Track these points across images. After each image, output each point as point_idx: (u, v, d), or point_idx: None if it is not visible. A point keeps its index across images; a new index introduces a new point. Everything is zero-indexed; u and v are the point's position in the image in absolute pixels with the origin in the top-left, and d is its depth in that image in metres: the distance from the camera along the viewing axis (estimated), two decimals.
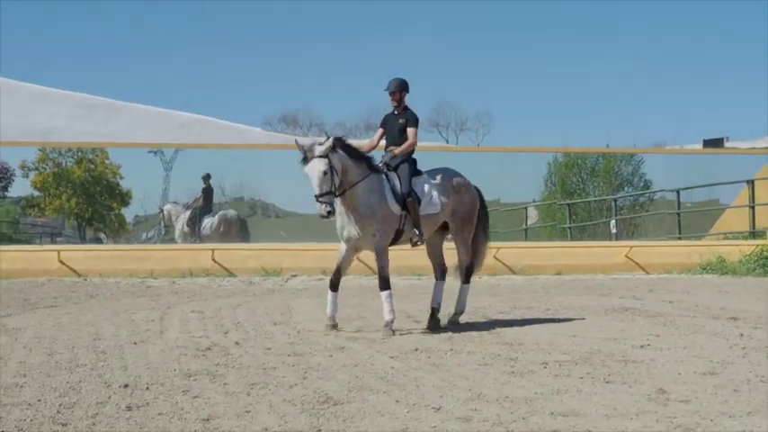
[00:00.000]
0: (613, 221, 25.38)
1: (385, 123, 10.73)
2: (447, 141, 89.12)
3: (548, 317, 11.52)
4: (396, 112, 10.63)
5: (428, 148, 32.54)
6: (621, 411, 6.09)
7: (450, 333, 10.05)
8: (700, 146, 76.91)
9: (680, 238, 23.05)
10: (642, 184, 30.16)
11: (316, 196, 9.58)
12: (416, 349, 8.84)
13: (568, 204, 27.63)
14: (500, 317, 11.56)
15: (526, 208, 27.61)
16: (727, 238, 21.67)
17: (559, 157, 29.96)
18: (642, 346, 8.93)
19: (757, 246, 19.16)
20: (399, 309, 12.34)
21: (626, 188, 30.60)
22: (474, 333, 10.02)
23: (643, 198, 29.05)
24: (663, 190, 26.58)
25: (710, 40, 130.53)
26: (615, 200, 27.78)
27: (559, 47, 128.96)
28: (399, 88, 10.59)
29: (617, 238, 23.73)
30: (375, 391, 6.83)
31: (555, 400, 6.47)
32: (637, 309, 12.29)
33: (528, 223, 27.40)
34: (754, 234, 21.42)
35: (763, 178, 21.72)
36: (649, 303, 13.09)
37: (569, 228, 26.42)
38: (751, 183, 22.17)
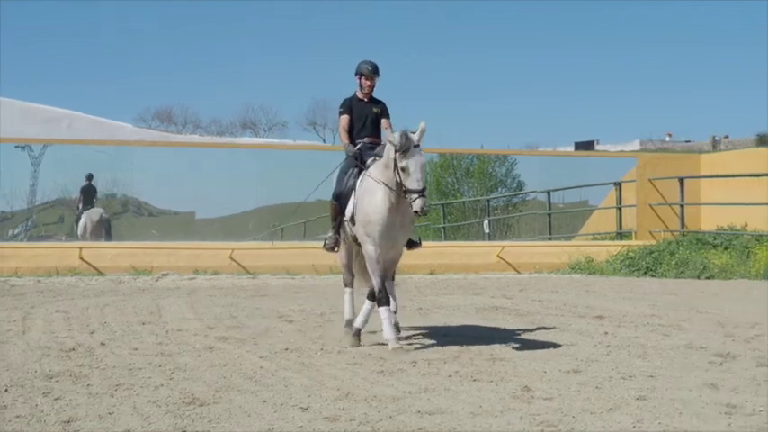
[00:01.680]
0: (486, 221, 25.75)
1: (350, 110, 9.57)
2: (324, 141, 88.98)
3: (420, 316, 11.60)
4: (365, 100, 9.58)
5: (304, 147, 32.48)
6: (487, 409, 6.15)
7: (320, 333, 10.01)
8: (571, 148, 78.71)
9: (550, 239, 23.54)
10: (515, 185, 30.73)
11: (420, 191, 8.42)
12: (286, 349, 8.78)
13: (443, 205, 27.94)
14: (372, 316, 11.54)
15: None
16: (596, 239, 22.22)
17: (435, 157, 30.29)
18: (510, 345, 9.06)
19: (623, 246, 19.69)
20: (271, 308, 12.29)
21: (499, 189, 31.12)
22: (345, 332, 9.99)
23: (516, 199, 29.60)
24: (535, 191, 27.11)
25: (581, 46, 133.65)
26: (488, 200, 28.21)
27: (435, 46, 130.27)
28: (379, 73, 9.58)
29: (490, 238, 24.08)
30: (243, 392, 6.75)
31: (422, 399, 6.50)
32: (507, 308, 12.49)
33: None
34: (620, 235, 22.01)
35: (630, 181, 22.32)
36: (519, 302, 13.31)
37: (443, 228, 26.72)
38: (618, 185, 22.77)
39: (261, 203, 22.44)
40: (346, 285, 9.87)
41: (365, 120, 9.53)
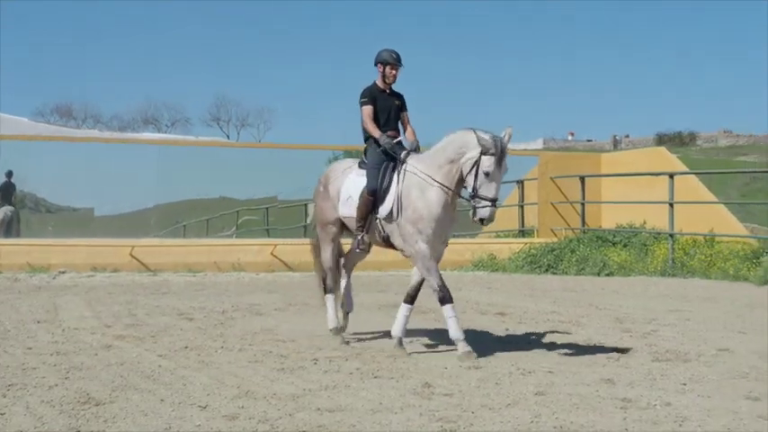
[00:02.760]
0: None
1: (375, 100, 8.89)
2: (228, 137, 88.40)
3: (323, 313, 11.54)
4: (387, 91, 9.00)
5: (207, 143, 32.16)
6: (387, 406, 6.15)
7: (221, 331, 9.89)
8: None
9: (454, 236, 23.65)
10: None
11: (495, 200, 8.01)
12: (186, 347, 8.65)
13: None
14: (276, 314, 11.49)
15: (306, 205, 27.73)
16: (498, 237, 22.42)
17: (340, 154, 30.28)
18: (412, 342, 9.07)
19: (525, 244, 19.90)
20: (172, 306, 12.11)
21: None
22: (247, 330, 9.90)
23: None
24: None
25: (485, 45, 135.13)
26: None
27: (338, 46, 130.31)
28: (402, 62, 8.97)
29: None
30: (140, 391, 6.62)
31: (323, 396, 6.46)
32: None
33: (309, 220, 27.54)
34: (523, 232, 22.26)
35: (533, 179, 22.58)
36: (422, 300, 13.28)
37: None
38: (521, 183, 23.02)
39: (162, 200, 22.14)
40: (328, 292, 9.47)
41: (389, 112, 8.94)
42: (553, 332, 9.86)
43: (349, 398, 6.41)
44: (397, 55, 8.91)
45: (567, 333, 9.74)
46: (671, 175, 17.73)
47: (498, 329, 10.10)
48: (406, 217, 8.39)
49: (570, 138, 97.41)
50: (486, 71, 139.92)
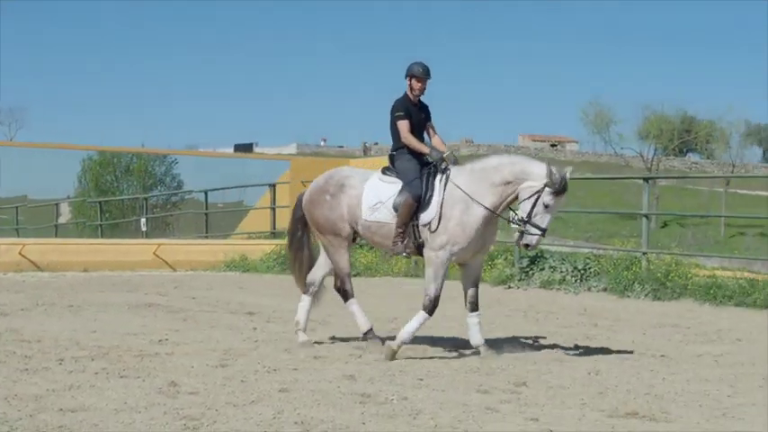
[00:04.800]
0: (143, 219, 25.51)
1: (410, 115, 9.01)
2: None
3: (71, 314, 11.34)
4: (415, 103, 9.08)
5: None
6: (131, 405, 6.19)
7: None
8: (231, 150, 79.40)
9: (207, 237, 23.67)
10: (175, 185, 30.65)
11: (545, 230, 8.41)
12: None
13: (100, 202, 27.36)
14: (21, 314, 11.18)
15: (58, 204, 26.95)
16: (251, 238, 22.58)
17: (94, 155, 29.61)
18: (160, 341, 9.11)
19: (276, 245, 20.12)
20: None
21: (158, 187, 30.92)
22: None
23: (175, 197, 29.52)
24: (193, 190, 27.19)
25: (240, 51, 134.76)
26: (146, 198, 27.95)
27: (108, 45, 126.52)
28: (430, 75, 9.06)
29: (147, 236, 23.88)
30: None
31: (66, 397, 6.42)
32: (160, 304, 12.48)
33: (61, 220, 26.80)
34: (274, 234, 22.48)
35: (285, 182, 22.91)
36: (173, 299, 13.34)
37: (101, 225, 26.18)
38: (273, 186, 23.29)
39: None
40: (349, 297, 9.32)
41: (419, 124, 9.07)
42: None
43: (93, 398, 6.40)
44: (424, 68, 8.98)
45: (312, 330, 9.99)
46: None
47: (246, 328, 10.26)
48: (446, 228, 8.54)
49: (323, 143, 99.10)
50: (241, 74, 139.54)
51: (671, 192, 62.53)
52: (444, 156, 8.81)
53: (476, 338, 8.77)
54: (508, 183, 8.49)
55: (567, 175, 8.40)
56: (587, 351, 9.06)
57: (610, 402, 6.68)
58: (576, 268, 14.90)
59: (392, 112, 9.07)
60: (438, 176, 8.77)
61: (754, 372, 8.09)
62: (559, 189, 8.30)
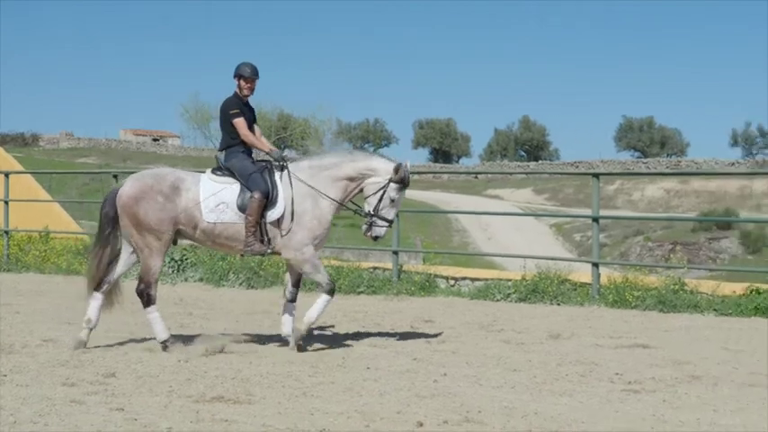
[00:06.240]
0: None
1: (243, 113, 8.97)
2: None
3: None
4: (245, 102, 9.06)
5: None
6: None
7: None
8: None
9: None
10: None
11: (392, 222, 9.09)
12: None
13: None
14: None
15: None
16: None
17: None
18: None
19: None
20: None
21: None
22: None
23: None
24: None
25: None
26: None
27: None
28: (258, 75, 9.08)
29: None
30: None
31: None
32: None
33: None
34: None
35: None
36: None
37: None
38: None
39: None
40: (152, 303, 8.66)
41: (249, 124, 9.02)
42: None
43: None
44: (252, 68, 9.04)
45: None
46: (6, 174, 17.69)
47: None
48: (301, 224, 8.68)
49: None
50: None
51: None
52: (283, 154, 9.02)
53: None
54: (351, 179, 8.88)
55: (409, 169, 8.91)
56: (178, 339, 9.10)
57: (197, 388, 6.86)
58: (173, 259, 14.97)
59: (225, 111, 9.04)
60: (277, 173, 8.86)
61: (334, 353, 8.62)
62: (405, 181, 8.86)
